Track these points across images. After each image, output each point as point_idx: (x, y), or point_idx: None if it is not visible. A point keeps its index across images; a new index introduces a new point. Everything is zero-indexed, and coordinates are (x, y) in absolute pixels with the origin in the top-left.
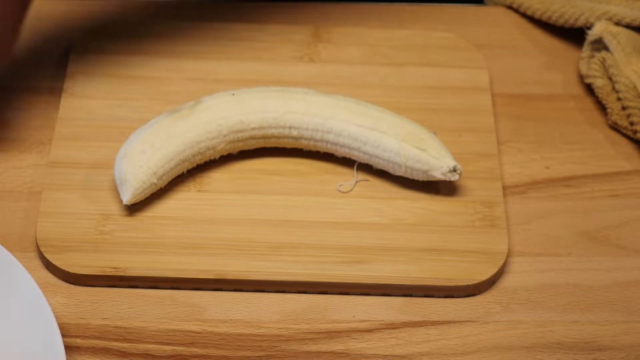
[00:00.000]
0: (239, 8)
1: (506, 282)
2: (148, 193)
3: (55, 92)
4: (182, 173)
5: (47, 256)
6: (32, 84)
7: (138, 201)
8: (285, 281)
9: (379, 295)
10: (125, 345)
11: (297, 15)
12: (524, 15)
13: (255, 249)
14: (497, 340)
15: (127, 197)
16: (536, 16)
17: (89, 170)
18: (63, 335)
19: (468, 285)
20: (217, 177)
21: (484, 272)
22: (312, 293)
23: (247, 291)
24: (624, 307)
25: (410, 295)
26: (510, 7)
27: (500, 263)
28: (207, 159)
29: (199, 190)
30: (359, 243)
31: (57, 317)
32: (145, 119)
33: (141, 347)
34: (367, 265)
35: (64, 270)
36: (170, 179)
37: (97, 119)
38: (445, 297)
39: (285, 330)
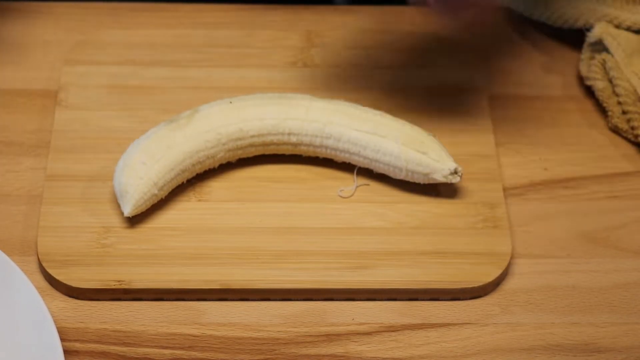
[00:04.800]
0: (231, 14)
1: (506, 284)
2: (149, 204)
3: (50, 95)
4: (182, 183)
5: (50, 271)
6: (27, 87)
7: (139, 213)
8: (290, 289)
9: (384, 300)
10: (124, 349)
11: (289, 20)
12: (522, 15)
13: (259, 258)
14: (496, 343)
15: (128, 209)
16: (535, 17)
17: (88, 182)
18: (62, 340)
19: (473, 287)
20: (217, 186)
21: (489, 274)
22: (318, 300)
23: (252, 300)
24: (624, 309)
25: (416, 300)
26: (507, 8)
27: (505, 264)
28: (206, 168)
29: (199, 200)
30: (363, 248)
31: (55, 321)
32: (142, 129)
33: (140, 351)
34: (372, 270)
35: (67, 285)
36: (170, 189)
37: (92, 130)
38: (452, 300)
39: (285, 334)
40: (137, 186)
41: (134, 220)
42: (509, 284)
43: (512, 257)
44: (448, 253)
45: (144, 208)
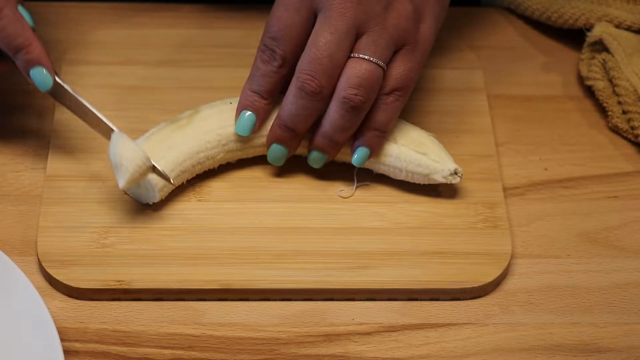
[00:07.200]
0: (231, 14)
1: (506, 284)
2: (144, 176)
3: (49, 95)
4: (182, 183)
5: (50, 271)
6: (25, 87)
7: (133, 185)
8: (290, 289)
9: (384, 300)
10: (124, 349)
11: None
12: (521, 16)
13: (259, 258)
14: (496, 343)
15: (123, 182)
16: (535, 16)
17: (87, 182)
18: (62, 340)
19: (474, 287)
20: (217, 186)
21: (489, 274)
22: (318, 300)
23: (252, 300)
24: (624, 309)
25: (416, 299)
26: (507, 8)
27: (505, 264)
28: (206, 168)
29: (199, 200)
30: (363, 248)
31: (55, 321)
32: (141, 129)
33: (140, 351)
34: (372, 270)
35: (67, 285)
36: (170, 190)
37: (92, 131)
38: (452, 299)
39: (285, 334)
40: (132, 159)
41: (134, 221)
42: (509, 284)
43: (512, 257)
44: (448, 253)
45: (139, 179)
